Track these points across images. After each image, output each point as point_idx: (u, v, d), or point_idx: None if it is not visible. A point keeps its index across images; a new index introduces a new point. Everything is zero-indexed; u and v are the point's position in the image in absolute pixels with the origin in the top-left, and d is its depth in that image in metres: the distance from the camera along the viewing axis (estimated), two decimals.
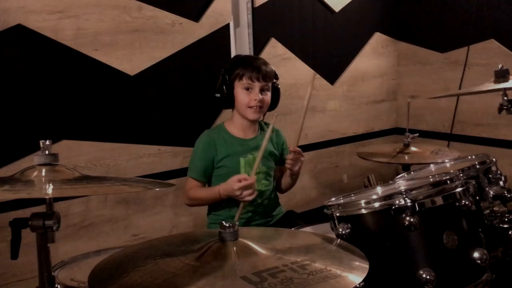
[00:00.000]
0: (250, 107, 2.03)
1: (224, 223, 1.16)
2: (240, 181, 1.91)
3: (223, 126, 2.15)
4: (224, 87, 2.04)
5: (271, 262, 1.08)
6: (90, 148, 2.31)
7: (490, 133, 3.15)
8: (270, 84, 2.07)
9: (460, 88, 3.25)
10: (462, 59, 3.25)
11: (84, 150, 2.29)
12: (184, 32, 2.54)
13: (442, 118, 3.43)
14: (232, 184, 1.92)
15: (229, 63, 2.10)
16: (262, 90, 2.04)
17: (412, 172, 1.86)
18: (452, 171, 1.63)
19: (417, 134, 2.58)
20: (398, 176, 1.77)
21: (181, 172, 2.57)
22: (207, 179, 2.12)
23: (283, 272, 1.03)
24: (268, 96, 2.07)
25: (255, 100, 2.02)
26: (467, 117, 3.29)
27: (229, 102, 2.07)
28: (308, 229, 1.85)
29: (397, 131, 3.75)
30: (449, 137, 3.37)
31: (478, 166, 1.52)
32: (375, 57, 3.53)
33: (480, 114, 3.21)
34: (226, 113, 2.66)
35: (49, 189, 0.98)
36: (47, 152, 1.13)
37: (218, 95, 2.06)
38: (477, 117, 3.23)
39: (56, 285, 1.16)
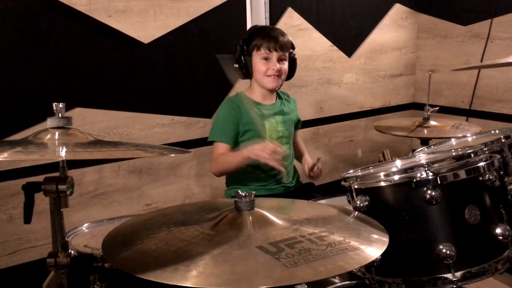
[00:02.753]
0: (268, 76, 2.04)
1: (240, 192, 1.14)
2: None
3: (243, 93, 2.16)
4: (243, 58, 2.05)
5: (288, 233, 1.06)
6: (103, 116, 2.29)
7: (511, 110, 3.07)
8: (287, 54, 2.08)
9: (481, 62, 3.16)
10: (484, 33, 3.15)
11: (97, 118, 2.27)
12: (199, 0, 2.48)
13: (461, 93, 3.35)
14: (264, 145, 1.89)
15: (247, 34, 2.10)
16: (279, 60, 2.05)
17: (432, 146, 1.80)
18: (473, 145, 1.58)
19: (438, 108, 2.51)
20: (418, 150, 1.72)
21: (194, 143, 2.55)
22: (235, 144, 2.07)
23: (301, 243, 1.00)
24: (285, 65, 2.08)
25: (273, 69, 2.03)
26: (487, 92, 3.21)
27: (248, 72, 2.07)
28: (322, 202, 1.83)
29: (414, 106, 3.68)
30: (468, 113, 3.29)
31: (503, 140, 1.46)
32: (394, 29, 3.43)
33: (501, 90, 3.12)
34: (240, 84, 2.62)
35: (63, 152, 0.95)
36: (60, 115, 1.10)
37: (237, 65, 2.07)
38: (497, 93, 3.14)
39: (70, 250, 1.14)
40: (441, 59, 3.45)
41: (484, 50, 3.15)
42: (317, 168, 2.08)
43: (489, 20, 3.11)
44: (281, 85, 2.17)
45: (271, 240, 1.01)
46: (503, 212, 1.32)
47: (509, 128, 1.68)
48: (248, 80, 2.16)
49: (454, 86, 3.39)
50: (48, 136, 1.08)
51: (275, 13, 2.81)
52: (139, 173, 2.45)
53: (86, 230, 1.67)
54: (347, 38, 3.21)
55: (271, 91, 2.14)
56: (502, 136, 1.49)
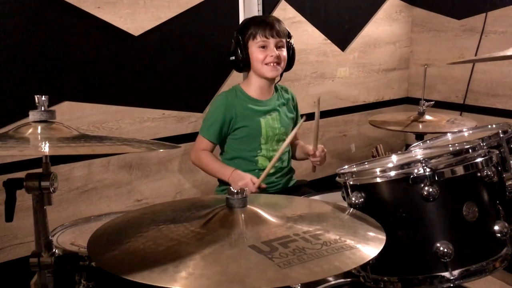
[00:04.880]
0: (266, 64, 1.97)
1: (232, 189, 1.10)
2: (253, 183, 1.86)
3: (239, 87, 2.09)
4: (239, 49, 1.98)
5: (282, 231, 1.02)
6: (92, 110, 2.23)
7: (505, 104, 3.06)
8: (284, 41, 2.01)
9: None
10: (479, 27, 3.13)
11: (86, 112, 2.22)
12: None
13: (455, 88, 3.33)
14: (245, 178, 1.89)
15: (241, 26, 2.04)
16: (277, 47, 1.99)
17: (427, 141, 1.77)
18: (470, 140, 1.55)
19: (433, 102, 2.48)
20: (414, 145, 1.68)
21: (186, 138, 2.50)
22: (220, 142, 2.06)
23: (295, 241, 0.97)
24: (284, 52, 2.01)
25: (272, 56, 1.96)
26: (481, 87, 3.19)
27: (245, 64, 2.00)
28: (316, 198, 1.79)
29: (407, 100, 3.66)
30: (462, 108, 3.27)
31: (501, 135, 1.43)
32: (388, 23, 3.40)
33: (495, 84, 3.10)
34: (233, 77, 2.58)
35: (45, 147, 0.91)
36: (43, 108, 1.05)
37: (233, 57, 2.01)
38: (492, 87, 3.12)
39: (54, 250, 1.10)
40: (435, 53, 3.43)
41: (478, 44, 3.13)
42: (322, 151, 2.02)
43: (484, 14, 3.09)
44: (281, 75, 2.11)
45: (264, 239, 0.97)
46: (500, 208, 1.29)
47: (506, 123, 1.65)
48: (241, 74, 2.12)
49: (448, 81, 3.37)
50: (30, 130, 1.03)
51: (268, 6, 2.77)
52: (129, 168, 2.40)
53: (74, 227, 1.62)
54: (341, 31, 3.17)
55: (270, 82, 2.06)
56: (500, 131, 1.46)
